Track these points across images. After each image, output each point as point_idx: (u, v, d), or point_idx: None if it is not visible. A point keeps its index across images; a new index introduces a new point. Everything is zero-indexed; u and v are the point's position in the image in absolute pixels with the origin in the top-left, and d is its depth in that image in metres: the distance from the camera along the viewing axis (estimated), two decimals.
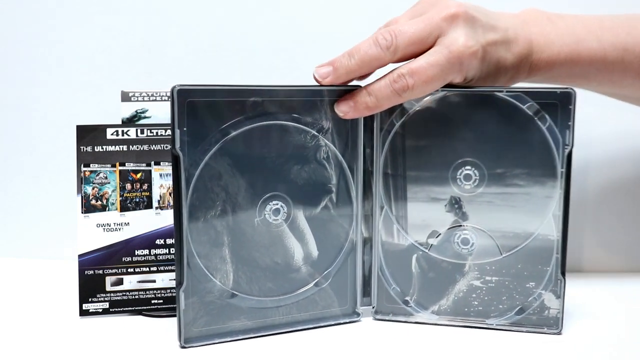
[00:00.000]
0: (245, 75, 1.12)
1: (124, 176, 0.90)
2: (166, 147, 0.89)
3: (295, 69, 1.10)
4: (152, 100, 0.91)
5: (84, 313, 0.89)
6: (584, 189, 1.12)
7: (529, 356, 0.77)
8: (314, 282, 0.83)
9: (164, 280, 0.91)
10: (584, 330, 0.84)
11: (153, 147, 0.90)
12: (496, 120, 0.81)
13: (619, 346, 0.81)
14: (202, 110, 0.75)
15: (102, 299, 0.90)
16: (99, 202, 0.89)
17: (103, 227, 0.90)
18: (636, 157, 1.11)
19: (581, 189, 1.11)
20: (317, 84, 0.81)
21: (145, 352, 0.78)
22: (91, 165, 0.89)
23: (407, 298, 0.84)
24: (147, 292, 0.90)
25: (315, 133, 0.81)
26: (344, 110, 0.80)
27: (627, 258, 1.13)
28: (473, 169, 0.82)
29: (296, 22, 1.12)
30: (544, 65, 0.87)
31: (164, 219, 0.90)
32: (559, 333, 0.81)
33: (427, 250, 0.84)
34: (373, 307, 0.86)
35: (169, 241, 0.91)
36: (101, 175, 0.89)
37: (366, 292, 0.86)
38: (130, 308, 0.90)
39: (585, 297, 0.96)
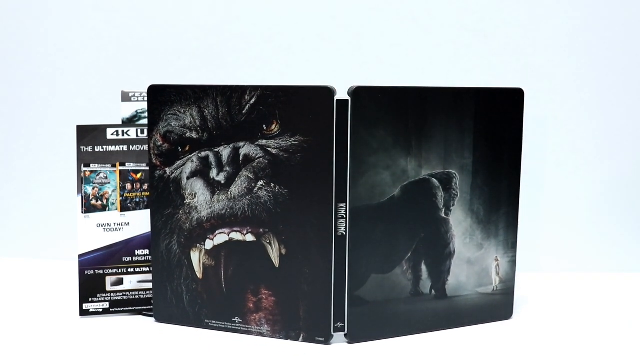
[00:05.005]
0: (247, 76, 1.12)
1: (124, 176, 0.90)
2: None
3: (298, 68, 1.11)
4: None
5: (84, 313, 0.89)
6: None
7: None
8: None
9: None
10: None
11: None
12: None
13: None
14: None
15: (102, 299, 0.90)
16: (99, 202, 0.89)
17: (103, 227, 0.90)
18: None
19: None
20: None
21: (144, 352, 0.78)
22: (91, 165, 0.89)
23: None
24: (147, 292, 0.90)
25: None
26: None
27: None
28: None
29: (297, 25, 1.12)
30: None
31: None
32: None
33: None
34: None
35: None
36: (101, 175, 0.89)
37: None
38: (130, 308, 0.91)
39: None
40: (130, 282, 0.91)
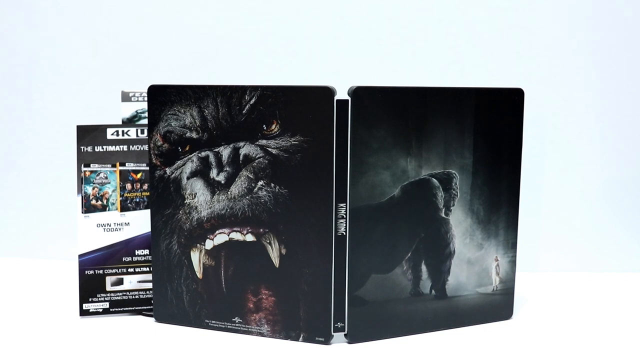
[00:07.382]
0: (247, 76, 1.12)
1: (124, 176, 0.90)
2: None
3: (298, 68, 1.11)
4: None
5: (84, 313, 0.89)
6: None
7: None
8: None
9: None
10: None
11: None
12: None
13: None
14: None
15: (102, 299, 0.90)
16: (99, 202, 0.89)
17: (103, 227, 0.90)
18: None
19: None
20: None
21: (144, 352, 0.78)
22: (91, 165, 0.89)
23: None
24: (147, 292, 0.90)
25: None
26: None
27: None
28: None
29: (298, 25, 1.12)
30: None
31: None
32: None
33: None
34: None
35: None
36: (101, 175, 0.89)
37: None
38: (130, 308, 0.91)
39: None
40: (130, 282, 0.91)
